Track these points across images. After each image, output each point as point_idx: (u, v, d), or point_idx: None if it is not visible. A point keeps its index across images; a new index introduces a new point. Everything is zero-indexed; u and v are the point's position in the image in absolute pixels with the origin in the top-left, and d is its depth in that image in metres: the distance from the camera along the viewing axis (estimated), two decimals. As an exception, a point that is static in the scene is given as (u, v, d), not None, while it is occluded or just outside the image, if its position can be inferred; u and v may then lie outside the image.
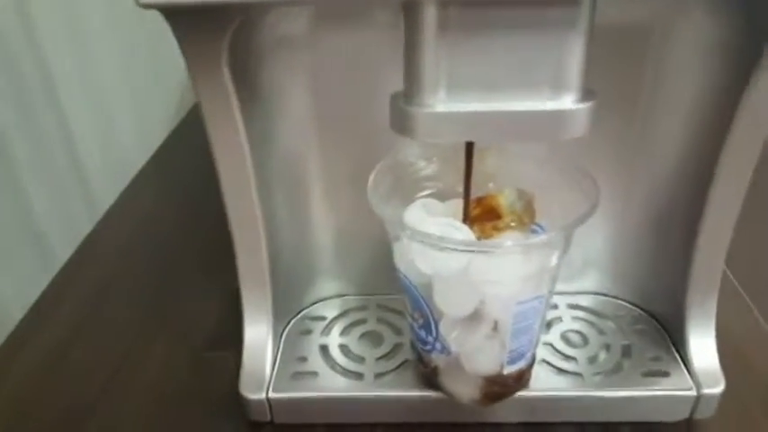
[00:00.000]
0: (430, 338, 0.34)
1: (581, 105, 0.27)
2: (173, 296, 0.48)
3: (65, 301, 0.49)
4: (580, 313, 0.43)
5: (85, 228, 0.58)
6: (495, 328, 0.33)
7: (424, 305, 0.33)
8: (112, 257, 0.54)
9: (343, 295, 0.44)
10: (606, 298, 0.44)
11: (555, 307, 0.43)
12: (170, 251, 0.54)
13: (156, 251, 0.54)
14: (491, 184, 0.35)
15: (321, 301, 0.44)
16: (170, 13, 0.25)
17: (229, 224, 0.35)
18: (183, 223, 0.58)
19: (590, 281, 0.44)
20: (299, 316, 0.43)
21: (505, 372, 0.34)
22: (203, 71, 0.29)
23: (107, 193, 0.62)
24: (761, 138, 0.32)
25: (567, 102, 0.27)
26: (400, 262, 0.33)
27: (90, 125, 0.60)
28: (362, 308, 0.43)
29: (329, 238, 0.42)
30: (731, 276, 0.46)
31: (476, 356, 0.33)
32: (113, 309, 0.48)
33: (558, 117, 0.27)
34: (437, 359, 0.34)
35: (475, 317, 0.32)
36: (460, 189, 0.35)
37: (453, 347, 0.33)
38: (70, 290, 0.50)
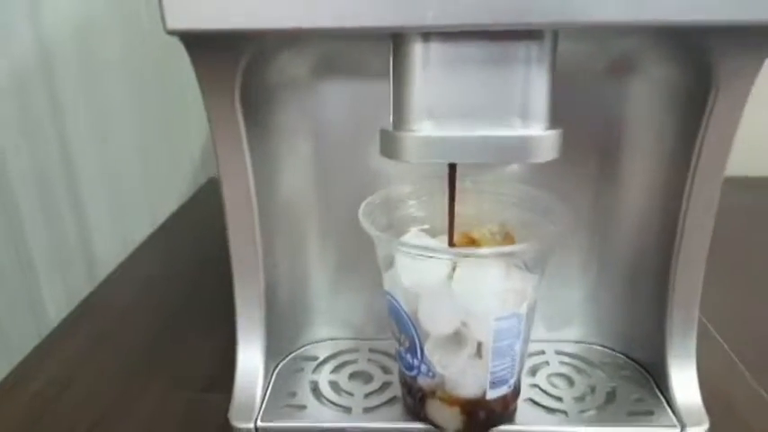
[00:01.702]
0: (416, 362, 0.35)
1: (547, 133, 0.30)
2: (168, 347, 0.49)
3: (61, 347, 0.50)
4: (566, 359, 0.43)
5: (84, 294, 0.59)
6: (479, 351, 0.34)
7: (411, 326, 0.34)
8: (111, 313, 0.55)
9: (336, 338, 0.45)
10: (592, 346, 0.45)
11: (542, 353, 0.44)
12: (169, 310, 0.55)
13: (155, 309, 0.56)
14: (474, 222, 0.38)
15: (314, 343, 0.45)
16: (190, 41, 0.30)
17: (230, 254, 0.38)
18: (183, 287, 0.60)
19: (575, 330, 0.45)
20: (291, 356, 0.44)
21: (489, 396, 0.35)
22: (217, 102, 0.33)
23: (111, 266, 0.65)
24: (720, 175, 0.35)
25: (536, 129, 0.30)
26: (390, 287, 0.35)
27: (102, 199, 0.63)
28: (354, 350, 0.44)
29: (325, 281, 0.44)
30: (707, 323, 0.48)
31: (460, 379, 0.34)
32: (109, 354, 0.49)
33: (526, 142, 0.30)
34: (423, 383, 0.35)
35: (458, 338, 0.34)
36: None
37: (438, 369, 0.34)
38: (66, 338, 0.51)
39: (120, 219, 0.67)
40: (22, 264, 0.52)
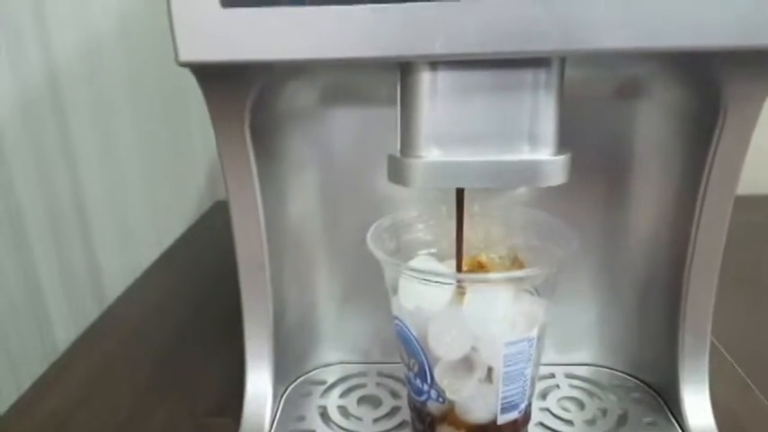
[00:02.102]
0: (425, 386, 0.35)
1: (555, 157, 0.30)
2: (175, 372, 0.49)
3: (68, 371, 0.50)
4: (576, 382, 0.43)
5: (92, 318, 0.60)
6: (489, 376, 0.34)
7: (420, 351, 0.34)
8: (118, 337, 0.55)
9: (345, 362, 0.45)
10: (602, 369, 0.44)
11: (552, 376, 0.44)
12: (176, 333, 0.55)
13: (162, 333, 0.56)
14: (482, 246, 0.38)
15: (322, 367, 0.45)
16: (202, 73, 0.30)
17: (239, 278, 0.38)
18: (190, 311, 0.60)
19: (585, 353, 0.45)
20: (299, 380, 0.44)
21: (499, 422, 0.34)
22: (227, 131, 0.33)
23: (118, 290, 0.65)
24: (729, 198, 0.35)
25: (544, 153, 0.30)
26: (398, 311, 0.35)
27: (109, 224, 0.63)
28: (362, 374, 0.44)
29: (333, 305, 0.44)
30: (716, 342, 0.48)
31: (470, 404, 0.34)
32: (116, 379, 0.49)
33: (535, 166, 0.30)
34: (432, 408, 0.35)
35: (468, 363, 0.34)
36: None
37: (448, 394, 0.34)
38: (74, 363, 0.51)
39: (126, 243, 0.67)
40: (30, 289, 0.52)
